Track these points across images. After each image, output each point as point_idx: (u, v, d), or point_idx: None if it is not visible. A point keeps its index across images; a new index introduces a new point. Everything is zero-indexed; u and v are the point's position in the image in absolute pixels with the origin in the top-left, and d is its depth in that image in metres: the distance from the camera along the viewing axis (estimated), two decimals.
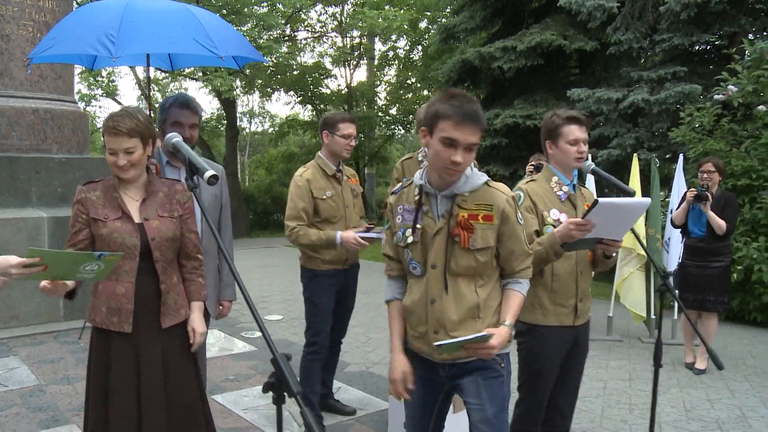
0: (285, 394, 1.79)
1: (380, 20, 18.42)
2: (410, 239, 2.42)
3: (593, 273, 3.26)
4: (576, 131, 2.99)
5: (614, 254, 3.06)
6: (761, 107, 8.39)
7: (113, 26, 4.03)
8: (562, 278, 2.99)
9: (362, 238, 4.05)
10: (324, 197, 4.13)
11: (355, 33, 22.46)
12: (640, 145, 10.22)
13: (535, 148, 7.01)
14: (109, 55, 3.98)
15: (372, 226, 4.23)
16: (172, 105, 3.40)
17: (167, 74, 24.11)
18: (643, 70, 10.71)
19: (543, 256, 2.81)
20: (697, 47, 11.40)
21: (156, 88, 27.22)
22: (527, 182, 3.09)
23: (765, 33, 10.26)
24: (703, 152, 8.30)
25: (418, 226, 2.40)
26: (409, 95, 24.04)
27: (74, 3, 10.07)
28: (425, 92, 22.89)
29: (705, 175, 5.80)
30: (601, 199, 2.66)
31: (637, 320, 7.01)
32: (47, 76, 7.63)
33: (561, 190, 3.03)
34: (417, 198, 2.41)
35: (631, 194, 3.16)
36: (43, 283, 2.27)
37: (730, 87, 8.47)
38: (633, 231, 3.28)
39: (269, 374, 1.74)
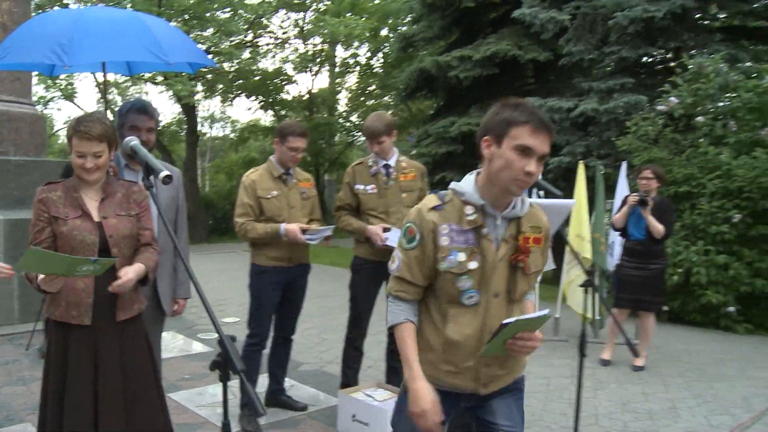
0: (230, 372, 2.00)
1: (342, 27, 18.63)
2: (472, 265, 2.16)
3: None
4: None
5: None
6: (700, 118, 8.81)
7: (65, 35, 4.13)
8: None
9: (308, 237, 4.26)
10: (268, 197, 4.34)
11: (317, 40, 22.64)
12: (590, 152, 10.59)
13: None
14: (62, 64, 4.09)
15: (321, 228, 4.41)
16: (129, 110, 3.56)
17: (128, 78, 24.00)
18: (594, 81, 11.10)
19: None
20: (644, 60, 11.87)
21: (115, 92, 27.02)
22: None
23: (705, 49, 10.71)
24: (648, 160, 8.66)
25: (475, 250, 2.16)
26: (370, 102, 24.27)
27: (32, 3, 10.08)
28: (386, 99, 23.13)
29: (644, 182, 6.09)
30: (528, 200, 2.88)
31: (583, 321, 7.26)
32: (4, 79, 7.65)
33: None
34: (473, 218, 2.17)
35: (559, 197, 3.41)
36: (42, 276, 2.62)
37: (671, 99, 8.88)
38: (569, 238, 3.51)
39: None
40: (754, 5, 11.35)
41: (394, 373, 4.62)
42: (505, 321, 2.06)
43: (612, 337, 6.38)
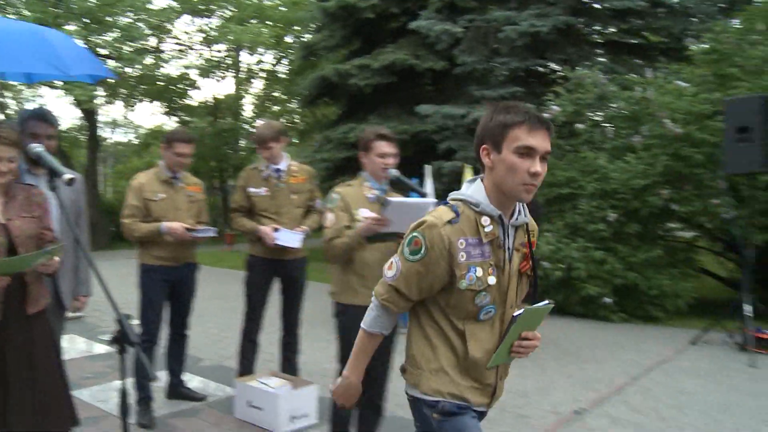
0: (126, 345, 2.28)
1: (246, 35, 18.75)
2: (491, 280, 2.05)
3: None
4: (384, 146, 3.58)
5: None
6: (580, 126, 9.54)
7: None
8: (370, 265, 3.50)
9: (195, 235, 4.58)
10: (155, 199, 4.62)
11: (222, 46, 22.64)
12: None
13: None
14: None
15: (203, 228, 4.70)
16: (30, 118, 3.72)
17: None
18: (487, 89, 11.74)
19: (350, 246, 3.40)
20: (533, 70, 12.62)
21: (9, 95, 26.04)
22: (343, 187, 3.65)
23: (588, 61, 11.56)
24: None
25: (492, 263, 2.06)
26: (276, 108, 24.43)
27: None
28: (291, 105, 23.36)
29: None
30: (391, 198, 3.27)
31: None
32: None
33: (371, 192, 3.60)
34: (490, 229, 2.05)
35: (423, 196, 3.81)
36: None
37: (554, 107, 9.58)
38: None
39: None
40: (632, 24, 12.31)
41: (288, 364, 4.98)
42: (515, 313, 2.03)
43: None
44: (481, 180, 2.09)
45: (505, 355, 2.13)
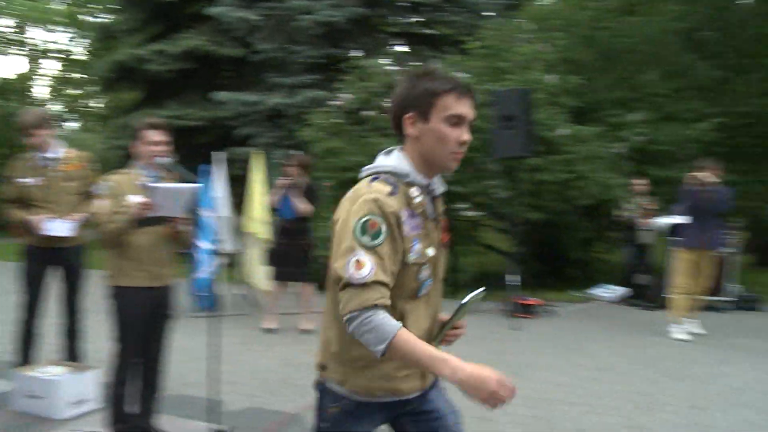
0: None
1: (33, 11, 17.62)
2: (431, 252, 1.97)
3: (177, 246, 4.03)
4: (154, 135, 3.74)
5: (185, 230, 3.87)
6: (368, 113, 10.03)
7: None
8: (143, 248, 3.71)
9: None
10: None
11: (8, 21, 21.01)
12: (278, 143, 11.44)
13: (188, 148, 7.65)
14: None
15: None
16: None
17: None
18: (284, 77, 11.97)
19: (121, 231, 3.57)
20: (330, 59, 13.00)
21: None
22: (115, 174, 3.77)
23: (381, 51, 12.15)
24: (327, 150, 9.68)
25: (426, 234, 1.96)
26: (76, 91, 23.14)
27: None
28: (90, 88, 22.22)
29: (290, 169, 7.00)
30: (155, 185, 3.44)
31: (262, 294, 8.02)
32: None
33: (142, 180, 3.73)
34: (420, 199, 1.95)
35: (189, 182, 3.98)
36: None
37: (344, 95, 10.00)
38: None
39: None
40: (427, 16, 13.07)
41: (71, 351, 4.97)
42: (463, 300, 1.95)
43: (273, 308, 7.22)
44: (400, 150, 2.00)
45: (439, 341, 2.07)
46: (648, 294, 9.14)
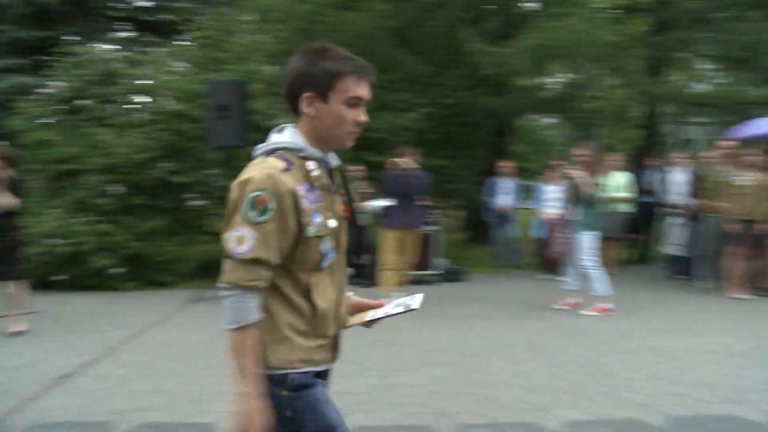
0: None
1: None
2: (332, 224, 2.00)
3: None
4: None
5: None
6: (85, 101, 9.65)
7: None
8: None
9: None
10: None
11: None
12: None
13: None
14: None
15: None
16: None
17: None
18: None
19: None
20: (42, 41, 12.15)
21: None
22: None
23: (102, 36, 11.65)
24: (39, 140, 9.14)
25: (326, 207, 2.00)
26: None
27: None
28: None
29: None
30: None
31: None
32: None
33: None
34: (318, 173, 1.98)
35: None
36: None
37: (57, 83, 9.50)
38: None
39: None
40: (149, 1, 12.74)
41: None
42: (413, 306, 2.18)
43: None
44: (294, 127, 2.01)
45: (359, 321, 2.20)
46: (366, 272, 9.88)
